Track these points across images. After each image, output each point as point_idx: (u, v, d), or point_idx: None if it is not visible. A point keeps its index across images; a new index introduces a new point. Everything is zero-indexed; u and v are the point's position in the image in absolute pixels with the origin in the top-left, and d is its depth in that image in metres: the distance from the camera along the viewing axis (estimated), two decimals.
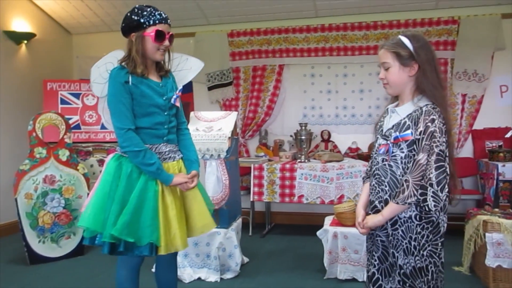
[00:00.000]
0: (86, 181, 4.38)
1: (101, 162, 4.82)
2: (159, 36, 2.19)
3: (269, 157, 5.31)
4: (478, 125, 5.18)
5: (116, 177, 2.18)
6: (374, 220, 1.89)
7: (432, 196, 1.73)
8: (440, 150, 1.74)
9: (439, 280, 1.84)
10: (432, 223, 1.79)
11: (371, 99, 5.49)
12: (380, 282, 1.95)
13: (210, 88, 5.82)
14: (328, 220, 3.88)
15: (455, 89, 5.15)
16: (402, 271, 1.84)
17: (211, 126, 3.96)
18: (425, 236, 1.80)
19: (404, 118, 1.85)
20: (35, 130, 4.17)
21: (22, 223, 4.06)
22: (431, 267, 1.81)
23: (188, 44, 5.82)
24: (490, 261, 3.32)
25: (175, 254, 2.44)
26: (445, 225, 1.83)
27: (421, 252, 1.81)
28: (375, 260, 1.96)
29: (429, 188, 1.73)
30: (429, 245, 1.80)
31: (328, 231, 3.63)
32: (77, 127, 4.88)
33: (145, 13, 2.18)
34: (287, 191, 4.73)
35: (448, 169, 1.76)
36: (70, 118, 4.67)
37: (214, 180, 3.80)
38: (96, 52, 6.19)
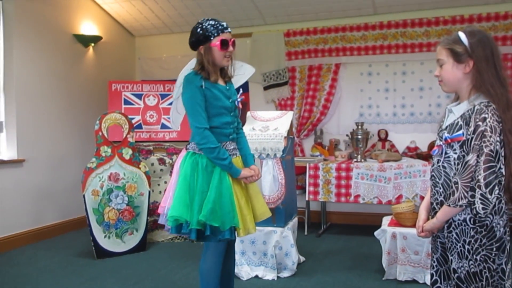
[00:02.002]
0: (148, 179, 4.55)
1: (161, 160, 4.98)
2: (224, 44, 2.46)
3: (325, 157, 5.28)
4: None
5: (194, 171, 2.44)
6: (430, 223, 1.87)
7: (480, 199, 1.66)
8: (490, 150, 1.65)
9: (489, 280, 1.75)
10: (486, 227, 1.73)
11: (431, 97, 5.33)
12: (438, 284, 1.92)
13: (265, 88, 5.87)
14: (386, 220, 3.82)
15: None
16: (456, 275, 1.80)
17: (267, 126, 4.00)
18: (479, 240, 1.74)
19: (457, 118, 1.79)
20: (101, 130, 4.39)
21: (89, 218, 4.28)
22: (485, 273, 1.74)
23: (245, 44, 5.90)
24: None
25: (234, 242, 2.71)
26: (502, 229, 1.74)
27: (475, 256, 1.74)
28: (434, 262, 1.94)
29: (477, 190, 1.66)
30: (482, 250, 1.73)
31: (386, 231, 3.57)
32: (139, 126, 5.07)
33: (208, 26, 2.45)
34: (343, 190, 4.69)
35: (503, 170, 1.67)
36: (132, 118, 4.86)
37: (271, 179, 3.84)
38: (157, 54, 6.44)
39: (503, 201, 1.73)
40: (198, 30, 2.46)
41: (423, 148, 5.28)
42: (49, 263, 4.16)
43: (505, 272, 1.77)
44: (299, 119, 5.75)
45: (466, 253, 1.76)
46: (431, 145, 5.13)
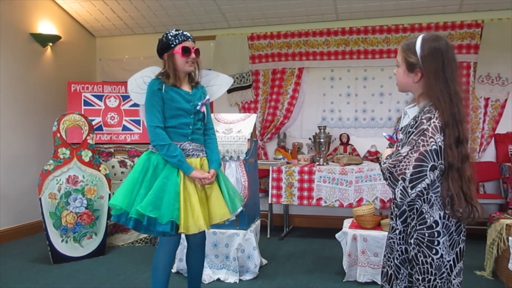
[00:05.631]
0: (108, 181, 4.45)
1: (122, 163, 4.88)
2: (185, 51, 2.63)
3: (288, 160, 5.32)
4: (501, 129, 5.11)
5: (145, 167, 2.60)
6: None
7: (401, 190, 1.69)
8: (426, 151, 1.66)
9: (437, 275, 1.77)
10: (416, 210, 1.78)
11: (391, 102, 5.46)
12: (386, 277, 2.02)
13: (229, 91, 5.85)
14: (347, 222, 3.87)
15: (478, 92, 5.10)
16: (402, 256, 1.89)
17: (230, 128, 4.00)
18: (410, 224, 1.81)
19: (411, 120, 1.82)
20: (59, 131, 4.26)
21: (46, 222, 4.14)
22: (420, 256, 1.78)
23: (209, 47, 5.88)
24: None
25: (204, 239, 2.86)
26: (433, 218, 1.75)
27: (409, 240, 1.81)
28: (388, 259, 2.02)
29: (400, 181, 1.68)
30: (415, 233, 1.78)
31: (347, 233, 3.62)
32: (99, 128, 4.96)
33: (172, 36, 2.64)
34: (305, 193, 4.73)
35: (431, 175, 1.67)
36: (92, 120, 4.74)
37: (233, 181, 3.82)
38: (118, 55, 6.32)
39: (431, 194, 1.75)
40: (163, 38, 2.67)
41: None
42: (2, 270, 3.99)
43: (452, 269, 1.80)
44: (262, 123, 5.77)
45: (406, 236, 1.84)
46: None
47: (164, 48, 2.65)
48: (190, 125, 2.68)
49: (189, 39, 2.66)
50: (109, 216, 4.46)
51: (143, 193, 2.50)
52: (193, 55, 2.65)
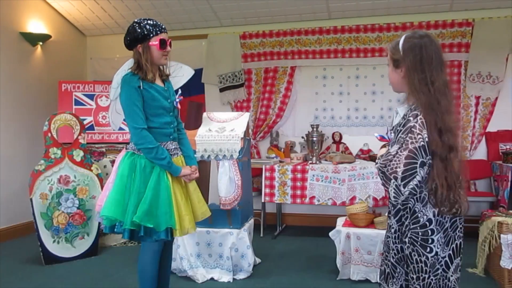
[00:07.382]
0: (100, 181, 4.42)
1: (114, 162, 4.84)
2: (163, 44, 2.51)
3: (280, 159, 5.31)
4: (492, 127, 5.15)
5: (132, 172, 2.48)
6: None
7: (394, 189, 1.69)
8: (415, 148, 1.66)
9: (431, 273, 1.78)
10: (409, 209, 1.79)
11: (383, 101, 5.48)
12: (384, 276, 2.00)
13: (221, 90, 5.85)
14: (340, 221, 3.88)
15: (469, 91, 5.13)
16: (398, 255, 1.88)
17: (224, 127, 3.98)
18: (404, 223, 1.81)
19: (401, 119, 1.84)
20: (50, 131, 4.22)
21: (37, 223, 4.10)
22: (414, 255, 1.79)
23: (201, 46, 5.86)
24: (506, 262, 3.29)
25: (172, 242, 2.79)
26: (426, 217, 1.76)
27: (404, 239, 1.82)
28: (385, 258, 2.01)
29: (393, 180, 1.68)
30: (409, 232, 1.79)
31: (341, 232, 3.62)
32: (91, 128, 4.93)
33: (148, 26, 2.48)
34: (298, 192, 4.73)
35: (422, 171, 1.68)
36: (84, 119, 4.71)
37: (227, 180, 3.81)
38: (109, 54, 6.27)
39: (425, 192, 1.75)
40: (137, 28, 2.48)
41: (376, 150, 5.40)
42: None
43: (449, 265, 1.81)
44: (255, 121, 5.76)
45: (400, 235, 1.84)
46: None
47: (139, 38, 2.48)
48: (172, 124, 2.62)
49: (164, 31, 2.54)
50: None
51: (134, 201, 2.41)
52: (169, 48, 2.55)
